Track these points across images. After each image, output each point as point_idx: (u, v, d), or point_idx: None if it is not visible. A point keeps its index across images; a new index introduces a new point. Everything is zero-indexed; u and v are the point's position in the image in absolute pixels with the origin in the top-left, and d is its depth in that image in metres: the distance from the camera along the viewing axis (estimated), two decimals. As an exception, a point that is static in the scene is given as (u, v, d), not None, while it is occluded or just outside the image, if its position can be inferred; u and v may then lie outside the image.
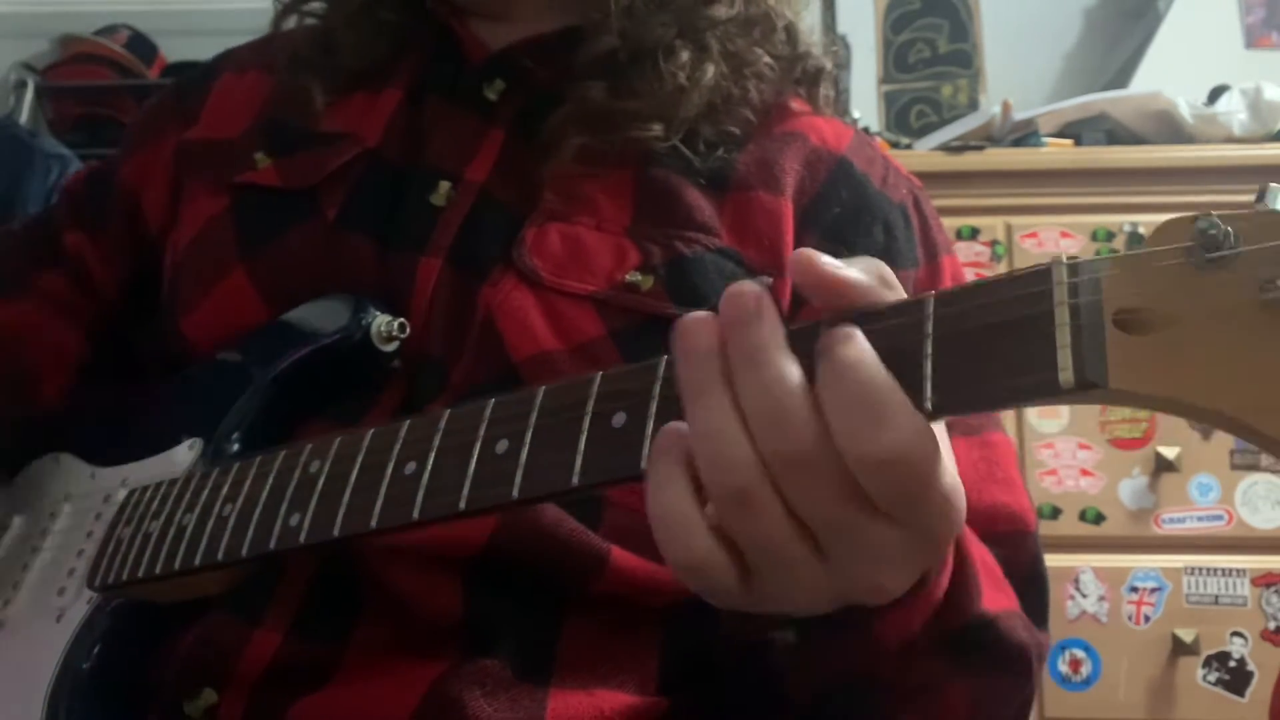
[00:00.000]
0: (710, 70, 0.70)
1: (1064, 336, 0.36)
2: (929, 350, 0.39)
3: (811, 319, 0.42)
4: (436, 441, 0.50)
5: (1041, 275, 0.38)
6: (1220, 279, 0.35)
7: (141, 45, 2.67)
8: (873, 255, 0.68)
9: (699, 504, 0.41)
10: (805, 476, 0.39)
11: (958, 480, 0.41)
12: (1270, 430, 0.33)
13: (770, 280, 0.66)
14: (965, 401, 0.38)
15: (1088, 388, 0.36)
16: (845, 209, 0.70)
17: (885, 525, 0.40)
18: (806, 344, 0.40)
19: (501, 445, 0.47)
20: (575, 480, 0.45)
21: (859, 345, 0.39)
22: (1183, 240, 0.36)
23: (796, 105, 0.77)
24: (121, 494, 0.65)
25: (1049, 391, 0.36)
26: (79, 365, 0.80)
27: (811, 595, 0.43)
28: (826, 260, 0.42)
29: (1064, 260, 0.38)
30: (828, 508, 0.39)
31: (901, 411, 0.38)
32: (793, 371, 0.39)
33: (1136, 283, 0.36)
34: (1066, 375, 0.36)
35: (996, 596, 0.56)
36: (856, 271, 0.42)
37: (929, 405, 0.38)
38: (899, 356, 0.39)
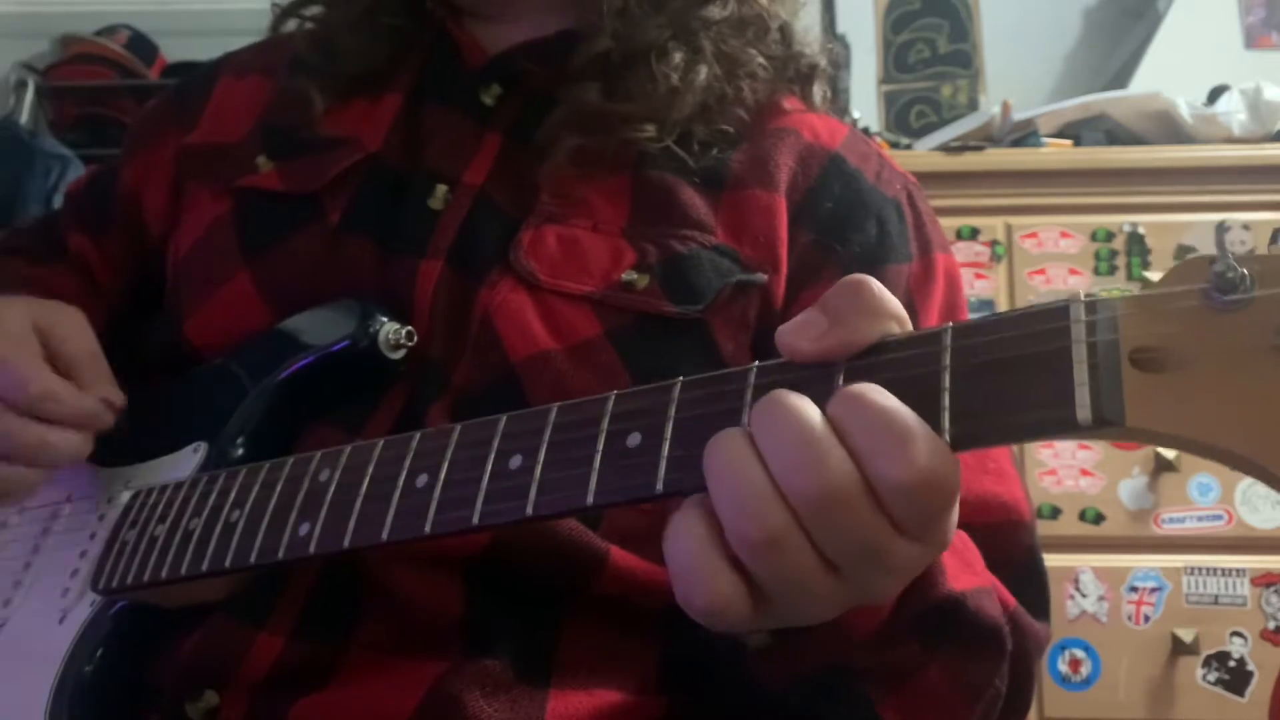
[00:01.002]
0: (703, 71, 0.71)
1: (1082, 374, 0.37)
2: (946, 383, 0.40)
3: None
4: (449, 455, 0.50)
5: (1059, 312, 0.39)
6: (1235, 321, 0.35)
7: (142, 45, 2.68)
8: (866, 250, 0.69)
9: (719, 547, 0.41)
10: (835, 514, 0.39)
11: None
12: None
13: (765, 278, 0.66)
14: (983, 434, 0.39)
15: (1105, 425, 0.36)
16: (838, 204, 0.71)
17: (907, 544, 0.40)
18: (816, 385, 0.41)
19: (515, 461, 0.47)
20: (590, 499, 0.45)
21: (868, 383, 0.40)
22: (1199, 281, 0.36)
23: (791, 104, 0.77)
24: (125, 495, 0.65)
25: (1067, 428, 0.37)
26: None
27: (822, 612, 0.43)
28: (807, 334, 0.43)
29: (1081, 298, 0.38)
30: (856, 539, 0.39)
31: (924, 432, 0.38)
32: (811, 409, 0.40)
33: (1152, 322, 0.37)
34: (1084, 413, 0.36)
35: (963, 575, 0.56)
36: (839, 334, 0.42)
37: (947, 438, 0.39)
38: (917, 387, 0.40)
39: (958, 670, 0.56)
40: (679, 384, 0.45)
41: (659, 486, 0.43)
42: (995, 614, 0.57)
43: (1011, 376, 0.38)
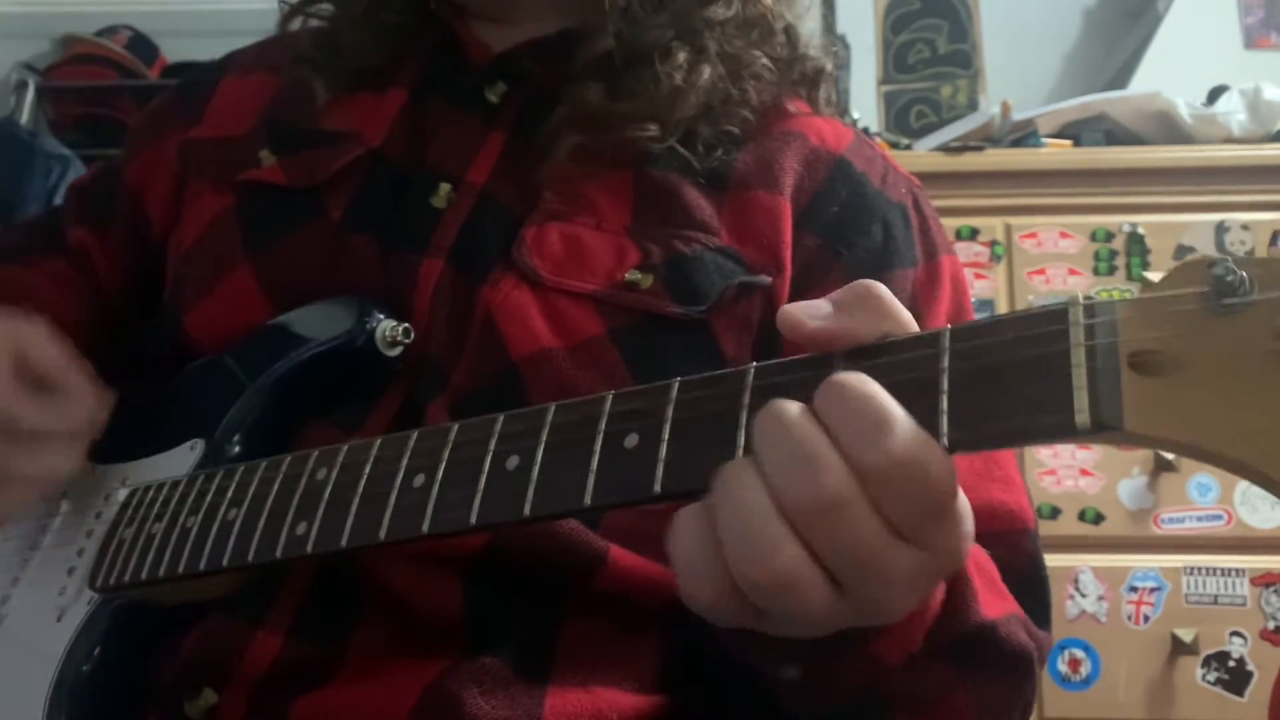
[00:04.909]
0: (707, 72, 0.71)
1: (1080, 378, 0.37)
2: (945, 386, 0.39)
3: None
4: (446, 454, 0.50)
5: (1058, 315, 0.38)
6: (1235, 324, 0.35)
7: (142, 46, 2.68)
8: (871, 254, 0.69)
9: (717, 549, 0.41)
10: (832, 522, 0.39)
11: (965, 499, 0.41)
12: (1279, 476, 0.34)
13: (769, 280, 0.66)
14: (982, 438, 0.39)
15: (1103, 429, 0.36)
16: (844, 208, 0.70)
17: (907, 551, 0.40)
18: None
19: (512, 461, 0.47)
20: (587, 500, 0.45)
21: (853, 372, 0.40)
22: (1198, 284, 0.36)
23: (796, 106, 0.77)
24: (122, 493, 0.65)
25: (1065, 432, 0.37)
26: (77, 337, 0.80)
27: (823, 624, 0.43)
28: (811, 314, 0.43)
29: (1080, 300, 0.38)
30: (852, 546, 0.39)
31: (903, 418, 0.38)
32: (807, 422, 0.39)
33: (1152, 325, 0.36)
34: (1083, 417, 0.36)
35: (994, 601, 0.56)
36: (842, 320, 0.43)
37: (945, 441, 0.39)
38: (915, 390, 0.40)
39: (985, 696, 0.56)
40: (677, 384, 0.45)
41: (656, 488, 0.43)
42: (1024, 642, 0.57)
43: (1010, 380, 0.38)
